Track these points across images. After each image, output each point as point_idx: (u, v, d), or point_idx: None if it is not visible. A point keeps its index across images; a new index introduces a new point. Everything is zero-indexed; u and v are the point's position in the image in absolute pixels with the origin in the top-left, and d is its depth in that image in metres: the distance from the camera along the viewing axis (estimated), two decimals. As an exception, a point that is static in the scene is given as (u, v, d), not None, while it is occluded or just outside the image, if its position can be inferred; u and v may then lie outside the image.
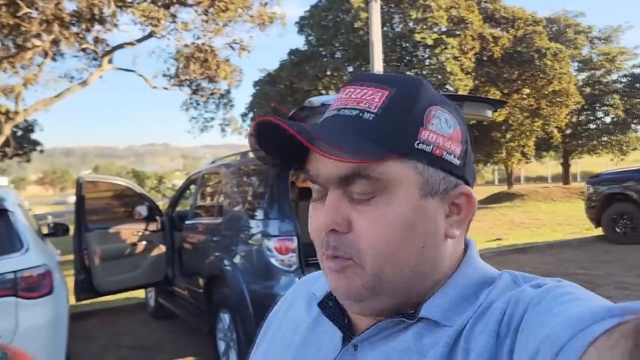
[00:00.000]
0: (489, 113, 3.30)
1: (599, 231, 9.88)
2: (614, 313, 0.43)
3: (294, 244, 3.39)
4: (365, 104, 0.60)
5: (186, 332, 5.45)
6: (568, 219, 13.25)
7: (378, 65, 8.10)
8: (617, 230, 9.32)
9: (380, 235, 0.58)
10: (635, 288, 6.17)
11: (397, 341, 0.61)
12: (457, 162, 0.61)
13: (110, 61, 12.27)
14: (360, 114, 0.59)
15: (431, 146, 0.59)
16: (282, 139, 0.58)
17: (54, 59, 12.02)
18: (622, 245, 9.02)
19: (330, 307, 0.69)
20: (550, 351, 0.44)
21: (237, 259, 3.79)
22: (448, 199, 0.62)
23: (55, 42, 10.68)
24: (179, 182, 27.68)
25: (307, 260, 3.63)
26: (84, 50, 11.82)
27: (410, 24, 16.42)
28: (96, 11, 10.28)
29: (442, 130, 0.60)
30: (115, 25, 10.95)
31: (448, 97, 0.65)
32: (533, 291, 0.56)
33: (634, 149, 24.27)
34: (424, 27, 15.85)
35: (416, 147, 0.59)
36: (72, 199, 9.24)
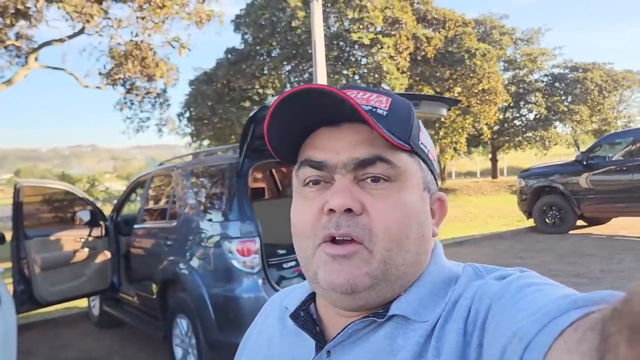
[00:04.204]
0: (444, 111, 3.39)
1: (530, 222, 10.45)
2: (578, 304, 0.44)
3: (256, 245, 3.34)
4: (374, 102, 0.65)
5: (135, 340, 5.26)
6: (498, 212, 13.91)
7: (321, 64, 8.14)
8: (547, 221, 9.90)
9: (394, 218, 0.60)
10: (567, 275, 6.58)
11: (369, 342, 0.61)
12: (437, 171, 0.70)
13: (37, 59, 11.57)
14: (374, 109, 0.64)
15: (427, 149, 0.68)
16: (293, 121, 0.61)
17: (-28, 56, 11.19)
18: (552, 235, 9.60)
19: (302, 317, 0.69)
20: (518, 347, 0.45)
21: (194, 262, 3.70)
22: (431, 202, 0.68)
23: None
24: (110, 185, 26.56)
25: (269, 261, 3.60)
26: (6, 47, 11.08)
27: (346, 24, 16.63)
28: (20, 5, 9.67)
29: (429, 143, 0.69)
30: (46, 22, 10.34)
31: (406, 96, 0.71)
32: (496, 284, 0.57)
33: (555, 144, 25.90)
34: (360, 26, 16.10)
35: (420, 145, 0.66)
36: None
